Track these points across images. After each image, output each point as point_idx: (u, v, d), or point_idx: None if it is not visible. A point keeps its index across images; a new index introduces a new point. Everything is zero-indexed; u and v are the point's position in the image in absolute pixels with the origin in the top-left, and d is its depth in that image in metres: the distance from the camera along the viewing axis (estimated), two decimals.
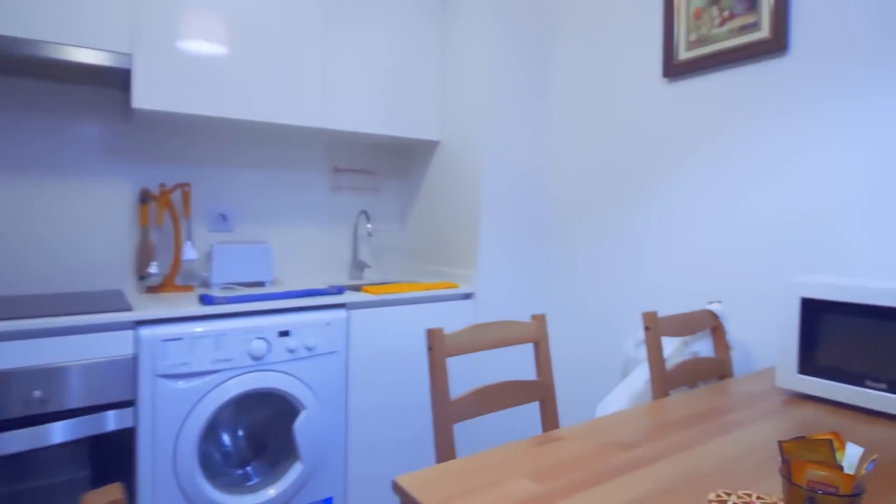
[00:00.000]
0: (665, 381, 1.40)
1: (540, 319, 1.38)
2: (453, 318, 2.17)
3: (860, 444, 0.99)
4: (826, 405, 1.20)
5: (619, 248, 2.09)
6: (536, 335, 1.37)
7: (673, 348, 1.58)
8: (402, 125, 2.33)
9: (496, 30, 2.21)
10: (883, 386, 1.13)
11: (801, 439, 0.70)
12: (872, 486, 0.82)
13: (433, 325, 2.11)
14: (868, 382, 1.15)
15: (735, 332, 1.69)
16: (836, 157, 1.50)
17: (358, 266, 2.53)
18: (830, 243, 1.51)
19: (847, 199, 1.48)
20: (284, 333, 1.79)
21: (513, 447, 0.98)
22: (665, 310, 1.92)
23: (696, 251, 1.83)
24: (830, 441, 0.68)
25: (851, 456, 0.69)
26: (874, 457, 0.65)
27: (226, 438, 1.97)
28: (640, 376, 1.59)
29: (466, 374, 2.20)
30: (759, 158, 1.67)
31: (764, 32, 1.63)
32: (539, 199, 2.38)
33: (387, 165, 2.69)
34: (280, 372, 1.78)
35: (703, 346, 1.57)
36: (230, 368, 1.71)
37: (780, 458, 0.70)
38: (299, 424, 1.80)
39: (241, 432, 1.95)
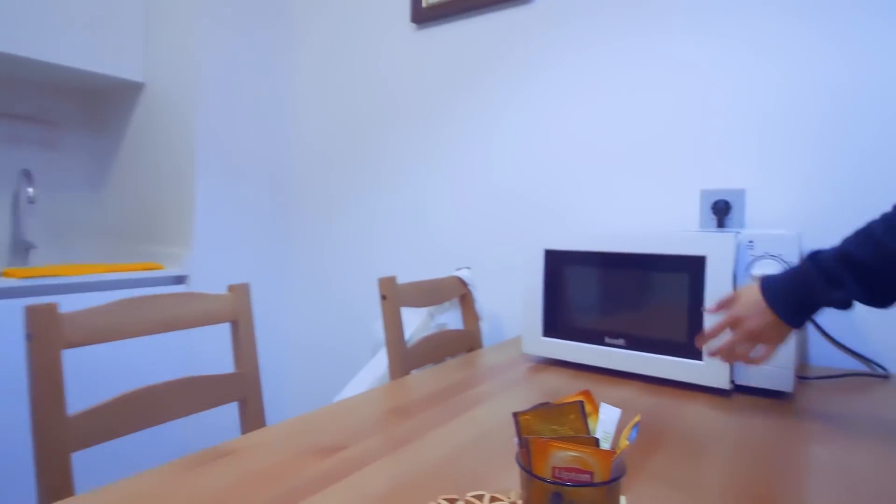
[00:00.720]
0: (405, 359, 1.15)
1: (239, 290, 1.01)
2: None
3: None
4: (572, 369, 1.08)
5: (370, 216, 1.82)
6: (233, 312, 0.99)
7: (419, 322, 1.36)
8: (84, 54, 1.73)
9: None
10: (621, 342, 1.03)
11: (544, 407, 0.47)
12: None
13: None
14: (607, 340, 1.05)
15: (486, 301, 1.54)
16: (579, 112, 1.44)
17: (21, 247, 1.83)
18: (579, 203, 1.44)
19: (590, 157, 1.42)
20: None
21: (157, 473, 0.60)
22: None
23: (449, 215, 1.65)
24: (581, 404, 0.46)
25: (607, 422, 0.48)
26: (636, 419, 0.44)
27: None
28: (384, 360, 1.33)
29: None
30: (509, 112, 1.55)
31: None
32: (278, 160, 2.00)
33: (71, 114, 2.02)
34: None
35: (450, 318, 1.37)
36: None
37: (516, 440, 0.45)
38: None
39: None
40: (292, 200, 2.01)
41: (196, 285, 1.73)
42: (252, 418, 0.99)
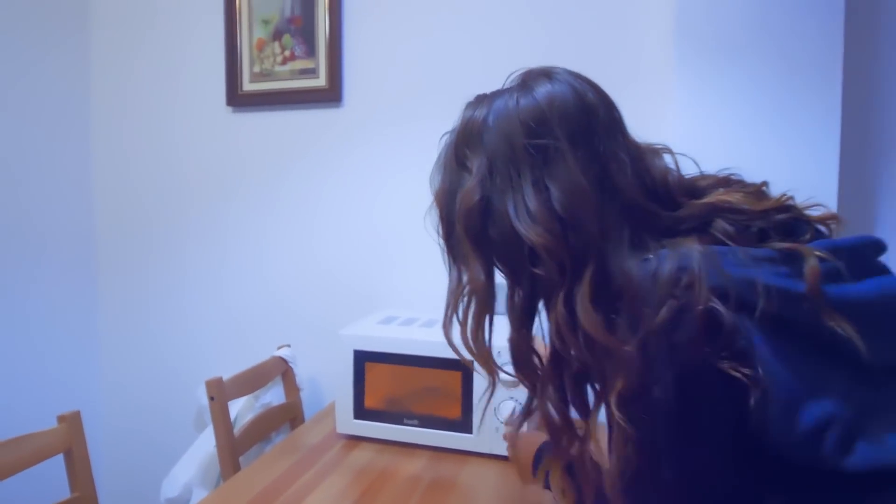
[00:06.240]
0: (234, 451, 1.31)
1: (70, 420, 1.08)
2: None
3: (405, 478, 1.13)
4: (377, 444, 1.34)
5: (191, 285, 1.88)
6: (66, 442, 1.06)
7: (242, 404, 1.51)
8: None
9: None
10: (415, 422, 1.33)
11: None
12: None
13: None
14: (405, 420, 1.34)
15: (304, 370, 1.73)
16: (381, 204, 1.69)
17: None
18: (383, 286, 1.70)
19: (393, 243, 1.69)
20: None
21: None
22: (238, 350, 1.82)
23: (269, 288, 1.80)
24: None
25: None
26: None
27: None
28: (211, 439, 1.46)
29: None
30: (318, 202, 1.74)
31: (321, 81, 1.69)
32: (79, 219, 1.92)
33: None
34: None
35: (274, 395, 1.55)
36: None
37: None
38: None
39: None
40: (103, 265, 1.96)
41: None
42: None
